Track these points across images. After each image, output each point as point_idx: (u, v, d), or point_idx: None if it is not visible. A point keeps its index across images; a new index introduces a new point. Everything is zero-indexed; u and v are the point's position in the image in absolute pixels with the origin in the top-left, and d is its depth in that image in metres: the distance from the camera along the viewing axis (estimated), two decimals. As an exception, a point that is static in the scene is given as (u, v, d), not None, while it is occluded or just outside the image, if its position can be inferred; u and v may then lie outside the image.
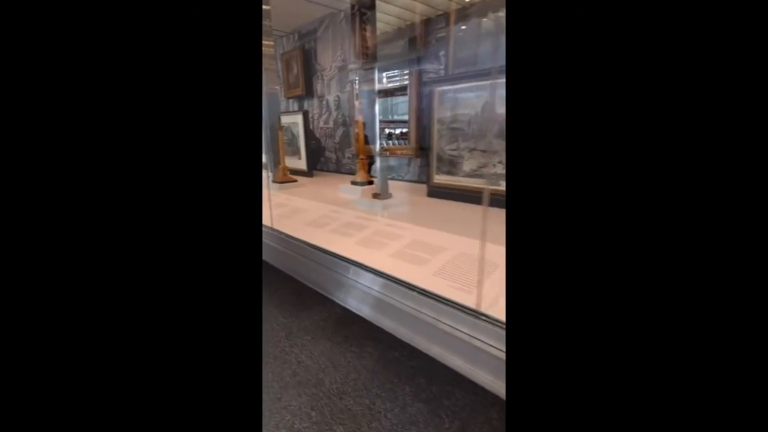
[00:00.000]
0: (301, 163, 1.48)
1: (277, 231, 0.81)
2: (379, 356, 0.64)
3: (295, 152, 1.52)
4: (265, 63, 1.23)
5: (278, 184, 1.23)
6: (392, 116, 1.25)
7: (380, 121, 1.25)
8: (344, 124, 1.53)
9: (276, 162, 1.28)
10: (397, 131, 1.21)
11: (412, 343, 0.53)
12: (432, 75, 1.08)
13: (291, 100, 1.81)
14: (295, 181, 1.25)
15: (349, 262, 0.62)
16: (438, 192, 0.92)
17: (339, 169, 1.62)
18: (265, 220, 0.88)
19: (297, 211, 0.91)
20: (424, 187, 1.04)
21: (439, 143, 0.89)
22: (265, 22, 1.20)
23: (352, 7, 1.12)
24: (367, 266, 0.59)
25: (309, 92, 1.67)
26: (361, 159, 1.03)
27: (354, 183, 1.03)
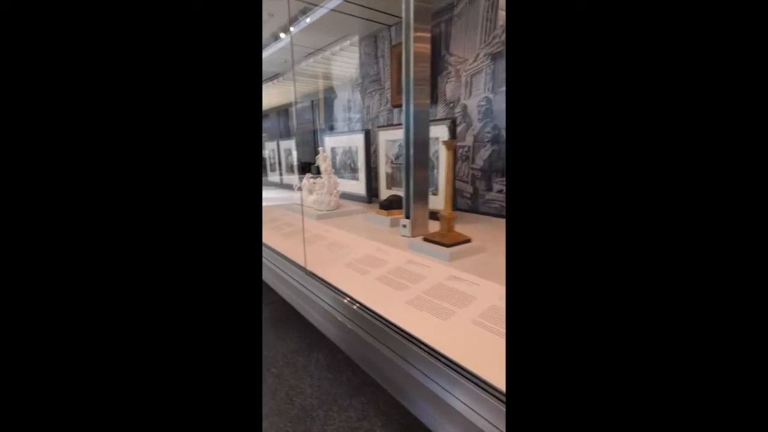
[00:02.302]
0: (437, 201, 0.96)
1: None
2: None
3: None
4: (419, 68, 0.73)
5: (443, 249, 0.64)
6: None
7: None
8: (495, 140, 1.01)
9: (418, 201, 0.77)
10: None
11: None
12: None
13: (399, 109, 1.32)
14: (468, 240, 0.69)
15: None
16: None
17: (477, 207, 1.08)
18: None
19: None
20: None
21: None
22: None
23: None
24: None
25: (432, 96, 1.18)
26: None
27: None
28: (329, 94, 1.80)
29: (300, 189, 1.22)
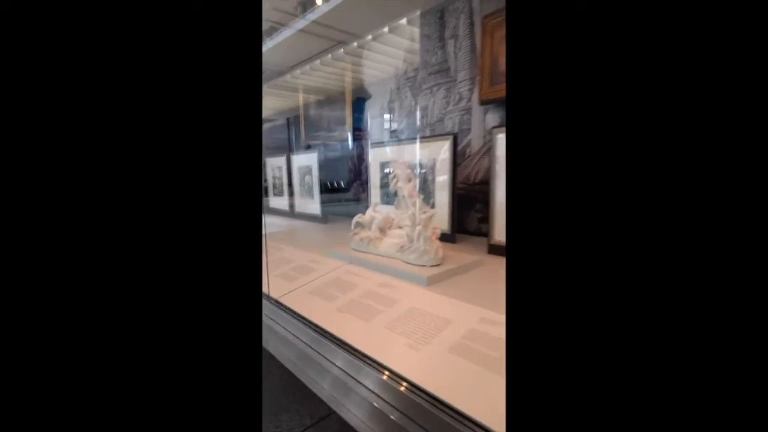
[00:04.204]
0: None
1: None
2: None
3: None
4: None
5: None
6: None
7: None
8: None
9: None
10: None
11: None
12: None
13: (489, 107, 0.93)
14: None
15: None
16: None
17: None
18: None
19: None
20: None
21: None
22: None
23: None
24: None
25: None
26: None
27: None
28: (360, 95, 1.40)
29: (361, 225, 0.77)
